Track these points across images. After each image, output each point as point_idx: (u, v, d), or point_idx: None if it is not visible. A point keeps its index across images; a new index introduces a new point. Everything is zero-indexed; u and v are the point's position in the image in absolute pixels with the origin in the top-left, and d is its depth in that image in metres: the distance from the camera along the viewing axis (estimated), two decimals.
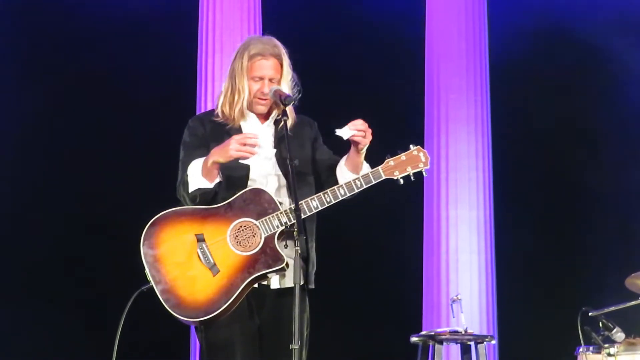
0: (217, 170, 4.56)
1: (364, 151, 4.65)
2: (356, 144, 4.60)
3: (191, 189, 4.56)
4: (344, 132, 4.58)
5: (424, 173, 4.71)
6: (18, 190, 9.23)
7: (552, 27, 9.48)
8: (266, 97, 4.68)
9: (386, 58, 9.55)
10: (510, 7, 9.60)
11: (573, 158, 9.42)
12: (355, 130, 4.57)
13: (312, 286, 4.63)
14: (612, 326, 6.04)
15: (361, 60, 9.62)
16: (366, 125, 4.60)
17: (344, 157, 4.71)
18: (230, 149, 4.49)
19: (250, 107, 4.73)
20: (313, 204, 4.57)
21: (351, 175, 4.65)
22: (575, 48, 9.35)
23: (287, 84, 4.71)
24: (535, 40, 9.41)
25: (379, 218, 9.28)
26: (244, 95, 4.69)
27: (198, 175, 4.56)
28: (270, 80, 4.68)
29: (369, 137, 4.61)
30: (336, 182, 4.68)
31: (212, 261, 4.49)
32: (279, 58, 4.70)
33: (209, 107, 8.43)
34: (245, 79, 4.68)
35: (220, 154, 4.52)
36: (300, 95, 4.76)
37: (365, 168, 4.69)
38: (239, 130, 4.69)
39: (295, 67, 4.78)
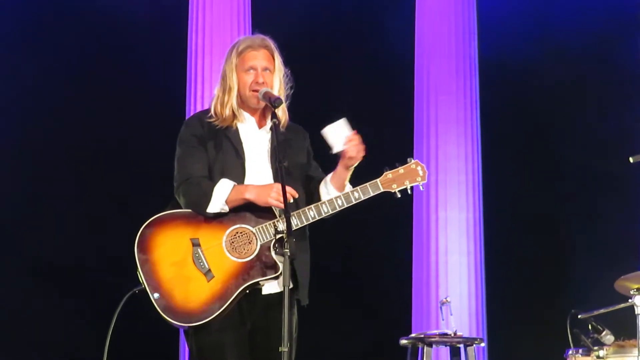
0: (243, 203, 4.53)
1: (352, 168, 4.62)
2: (349, 158, 4.57)
3: (211, 209, 4.52)
4: (336, 143, 4.53)
5: (421, 187, 4.70)
6: (17, 188, 9.20)
7: (542, 29, 9.48)
8: (261, 87, 4.64)
9: (375, 59, 9.54)
10: (500, 8, 9.60)
11: (564, 160, 9.41)
12: (348, 144, 4.54)
13: (305, 302, 4.61)
14: (601, 329, 6.04)
15: (350, 61, 9.61)
16: (360, 140, 4.57)
17: (330, 174, 4.68)
18: (271, 197, 4.46)
19: (246, 103, 4.69)
20: (310, 213, 4.56)
21: (335, 192, 4.63)
22: (565, 49, 9.34)
23: (279, 79, 4.69)
24: (525, 42, 9.41)
25: (369, 220, 9.25)
26: (234, 92, 4.66)
27: (222, 200, 4.52)
28: (264, 70, 4.65)
29: (362, 153, 4.59)
30: (319, 198, 4.64)
31: (207, 266, 4.47)
32: (269, 49, 4.70)
33: (199, 108, 8.41)
34: (234, 75, 4.66)
35: (258, 196, 4.50)
36: (292, 90, 4.73)
37: (348, 188, 4.66)
38: (236, 133, 4.66)
39: (286, 66, 4.75)
